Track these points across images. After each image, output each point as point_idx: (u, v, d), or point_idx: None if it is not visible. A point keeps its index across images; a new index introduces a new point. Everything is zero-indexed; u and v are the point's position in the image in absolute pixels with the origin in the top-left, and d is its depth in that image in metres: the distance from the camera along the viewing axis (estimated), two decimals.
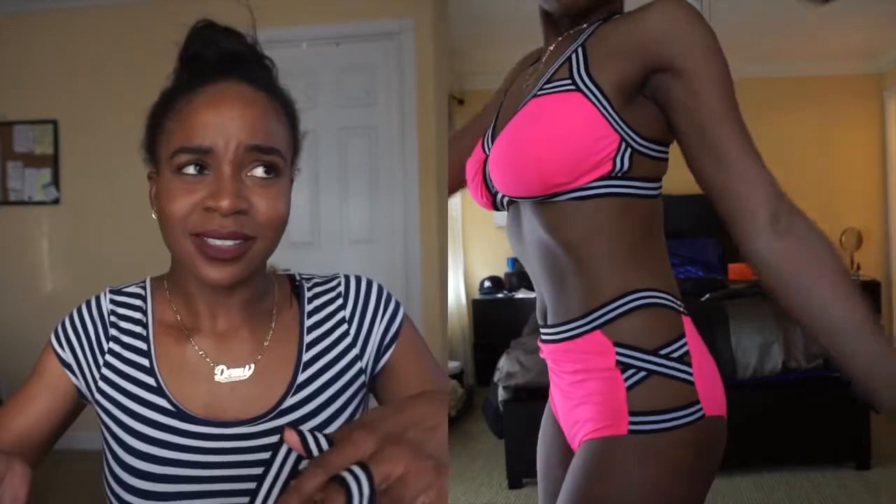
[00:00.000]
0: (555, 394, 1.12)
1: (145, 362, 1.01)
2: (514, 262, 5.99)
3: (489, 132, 1.13)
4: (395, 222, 4.01)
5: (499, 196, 1.08)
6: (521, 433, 3.38)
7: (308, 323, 1.05)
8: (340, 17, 3.95)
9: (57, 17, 4.22)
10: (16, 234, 4.40)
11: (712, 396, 0.98)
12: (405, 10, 3.89)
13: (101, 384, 1.01)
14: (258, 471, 0.96)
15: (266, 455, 0.97)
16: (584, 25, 1.06)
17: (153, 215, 0.96)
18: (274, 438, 0.98)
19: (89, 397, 1.02)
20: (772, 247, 0.97)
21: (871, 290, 5.76)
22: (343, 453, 0.62)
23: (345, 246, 4.09)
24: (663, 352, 0.97)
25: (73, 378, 1.02)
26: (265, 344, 1.03)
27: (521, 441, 3.41)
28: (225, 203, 0.89)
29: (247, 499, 0.95)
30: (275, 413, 0.99)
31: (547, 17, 1.12)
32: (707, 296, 4.00)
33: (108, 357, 1.02)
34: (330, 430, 0.99)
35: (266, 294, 1.06)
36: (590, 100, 0.96)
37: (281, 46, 4.03)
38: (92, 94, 4.22)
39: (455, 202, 5.82)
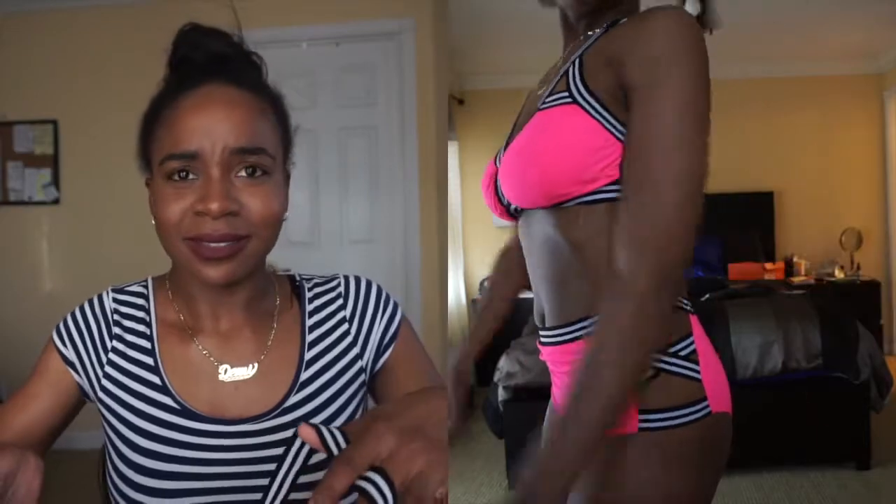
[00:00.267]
0: (556, 394, 1.12)
1: (150, 361, 1.01)
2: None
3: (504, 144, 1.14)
4: (395, 222, 4.01)
5: (511, 205, 1.09)
6: (521, 433, 3.38)
7: (309, 322, 1.07)
8: (340, 17, 3.96)
9: (57, 17, 4.23)
10: (16, 234, 4.40)
11: (719, 393, 1.00)
12: (405, 10, 3.89)
13: (105, 382, 1.01)
14: (263, 467, 0.97)
15: (270, 452, 0.98)
16: (597, 30, 1.05)
17: (153, 221, 0.96)
18: (278, 435, 0.99)
19: (92, 395, 1.03)
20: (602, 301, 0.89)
21: (871, 290, 5.76)
22: (367, 449, 0.62)
23: (345, 246, 4.09)
24: (672, 350, 0.98)
25: (75, 376, 1.02)
26: (268, 343, 1.04)
27: (521, 441, 3.41)
28: (214, 206, 0.90)
29: (251, 495, 0.96)
30: (278, 411, 1.00)
31: (564, 20, 1.12)
32: (707, 296, 3.99)
33: (112, 355, 1.02)
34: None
35: (267, 294, 1.07)
36: (586, 111, 0.96)
37: (281, 46, 4.05)
38: (92, 94, 4.22)
39: (455, 202, 5.83)
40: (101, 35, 4.18)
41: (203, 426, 0.98)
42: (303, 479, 0.95)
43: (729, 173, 6.09)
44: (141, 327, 1.04)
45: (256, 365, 1.02)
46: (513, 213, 1.11)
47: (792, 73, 6.12)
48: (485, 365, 5.42)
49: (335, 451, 0.66)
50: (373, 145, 4.04)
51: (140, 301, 1.06)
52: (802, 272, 5.85)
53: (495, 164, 1.14)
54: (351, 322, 1.08)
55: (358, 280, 1.11)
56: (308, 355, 1.04)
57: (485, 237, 6.29)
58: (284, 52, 3.92)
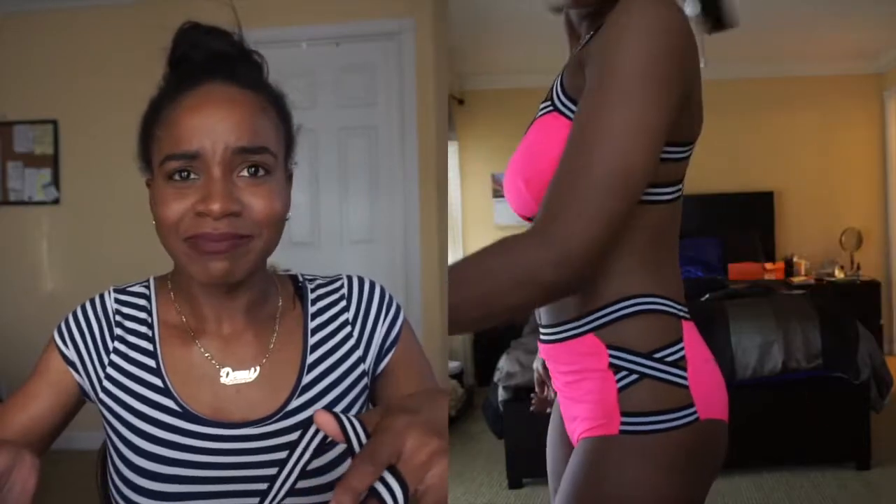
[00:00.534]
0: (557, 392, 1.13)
1: (151, 363, 1.01)
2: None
3: None
4: (395, 222, 4.01)
5: None
6: (521, 433, 3.38)
7: (312, 325, 1.06)
8: (340, 17, 3.95)
9: (57, 17, 4.22)
10: (16, 234, 4.40)
11: (710, 401, 0.99)
12: (405, 10, 3.89)
13: (106, 383, 1.01)
14: (264, 472, 0.97)
15: (272, 456, 0.97)
16: (592, 32, 1.04)
17: (153, 222, 0.96)
18: (280, 439, 0.98)
19: (93, 396, 1.02)
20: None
21: (871, 290, 5.76)
22: (389, 446, 0.62)
23: (345, 246, 4.09)
24: (657, 355, 0.97)
25: (76, 376, 1.02)
26: (270, 346, 1.03)
27: (521, 441, 3.41)
28: (216, 206, 0.89)
29: (253, 499, 0.96)
30: (281, 415, 0.99)
31: (569, 23, 1.12)
32: (707, 296, 3.99)
33: (114, 356, 1.02)
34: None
35: (269, 296, 1.06)
36: (566, 117, 0.97)
37: (281, 46, 4.05)
38: (92, 94, 4.22)
39: (455, 202, 5.83)
40: (101, 35, 4.18)
41: (205, 429, 0.98)
42: (301, 483, 0.95)
43: (729, 173, 6.09)
44: (143, 328, 1.03)
45: (258, 368, 1.01)
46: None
47: (792, 73, 6.12)
48: (485, 365, 5.43)
49: (355, 442, 0.65)
50: (373, 145, 4.04)
51: (142, 302, 1.05)
52: (802, 272, 5.85)
53: None
54: (354, 324, 1.07)
55: (361, 281, 1.10)
56: (310, 358, 1.03)
57: (485, 237, 6.28)
58: (284, 52, 3.92)
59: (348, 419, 0.65)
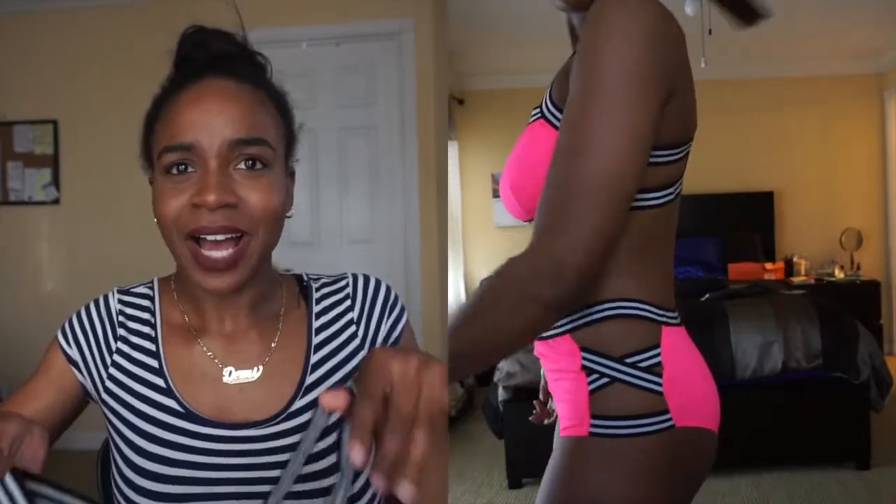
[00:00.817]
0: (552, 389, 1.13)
1: (154, 363, 1.01)
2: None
3: None
4: (395, 222, 4.01)
5: None
6: (521, 433, 3.38)
7: (316, 325, 1.05)
8: (340, 17, 3.96)
9: (57, 17, 4.22)
10: (16, 234, 4.40)
11: (690, 409, 0.97)
12: (405, 10, 3.89)
13: (109, 384, 1.01)
14: (267, 473, 0.96)
15: (275, 458, 0.97)
16: None
17: (155, 220, 0.96)
18: (282, 441, 0.98)
19: (95, 396, 1.02)
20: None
21: (871, 290, 5.76)
22: (377, 378, 0.61)
23: (345, 246, 4.09)
24: (629, 360, 0.97)
25: (79, 376, 1.02)
26: (273, 346, 1.03)
27: (521, 441, 3.41)
28: (211, 197, 0.89)
29: (254, 501, 0.96)
30: (284, 416, 0.99)
31: (571, 27, 1.12)
32: (707, 296, 3.99)
33: (117, 357, 1.02)
34: (336, 433, 0.99)
35: (273, 295, 1.05)
36: (552, 124, 0.97)
37: (281, 46, 4.04)
38: (92, 94, 4.22)
39: (455, 202, 5.83)
40: (101, 35, 4.18)
41: (207, 430, 0.97)
42: (298, 486, 0.94)
43: (729, 173, 6.09)
44: (146, 329, 1.03)
45: (261, 367, 1.01)
46: None
47: (792, 73, 6.12)
48: None
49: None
50: (373, 145, 4.04)
51: (145, 303, 1.05)
52: (802, 272, 5.85)
53: None
54: (358, 324, 1.06)
55: (367, 280, 1.10)
56: (314, 358, 1.03)
57: (485, 237, 6.29)
58: (284, 52, 3.91)
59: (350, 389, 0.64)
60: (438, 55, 3.92)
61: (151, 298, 1.05)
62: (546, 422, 1.30)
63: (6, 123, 4.33)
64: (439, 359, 0.65)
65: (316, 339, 1.04)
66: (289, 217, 1.01)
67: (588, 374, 0.98)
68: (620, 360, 0.97)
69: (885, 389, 3.39)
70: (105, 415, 1.02)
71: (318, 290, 1.08)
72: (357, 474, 0.72)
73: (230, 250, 0.91)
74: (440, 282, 3.97)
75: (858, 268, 5.92)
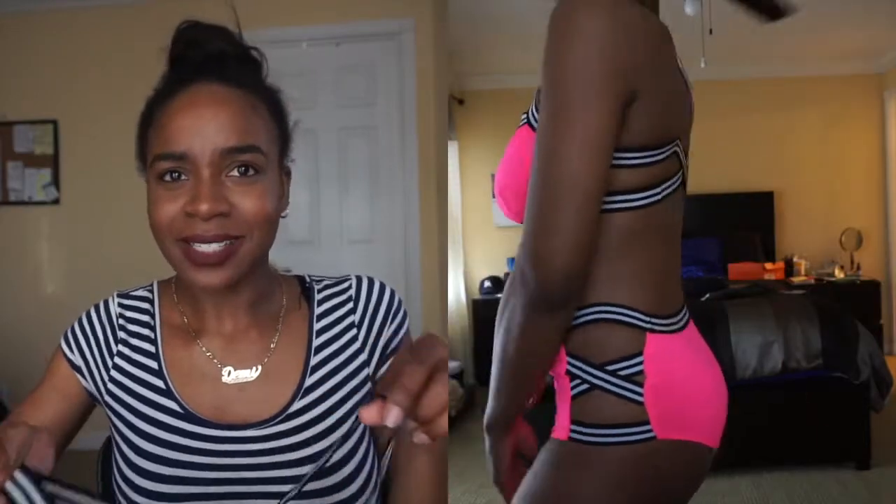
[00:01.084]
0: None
1: (154, 365, 1.01)
2: (514, 261, 6.00)
3: None
4: (395, 222, 4.01)
5: None
6: None
7: (317, 326, 1.05)
8: (340, 17, 3.96)
9: (57, 17, 4.23)
10: (16, 234, 4.40)
11: (676, 420, 0.95)
12: (405, 10, 3.89)
13: (111, 386, 1.01)
14: (266, 473, 0.96)
15: (273, 458, 0.97)
16: None
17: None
18: (281, 441, 0.98)
19: (99, 399, 1.03)
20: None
21: (871, 290, 5.76)
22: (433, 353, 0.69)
23: (345, 246, 4.09)
24: (610, 368, 0.95)
25: (83, 381, 1.02)
26: (272, 346, 1.03)
27: None
28: (204, 207, 0.89)
29: (254, 501, 0.96)
30: (282, 417, 0.99)
31: None
32: (707, 296, 3.99)
33: (117, 359, 1.02)
34: (336, 435, 1.00)
35: (272, 295, 1.05)
36: (534, 128, 0.97)
37: (281, 46, 4.04)
38: (92, 94, 4.22)
39: (455, 202, 5.83)
40: (101, 35, 4.18)
41: (206, 431, 0.97)
42: (309, 486, 0.95)
43: (729, 173, 6.09)
44: (145, 331, 1.03)
45: (260, 367, 1.01)
46: None
47: (792, 73, 6.12)
48: (485, 365, 5.43)
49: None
50: (373, 145, 4.04)
51: (145, 305, 1.06)
52: (802, 272, 5.85)
53: None
54: (360, 327, 1.06)
55: (371, 283, 1.09)
56: (314, 360, 1.03)
57: (485, 237, 6.29)
58: (284, 52, 3.92)
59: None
60: (438, 55, 3.92)
61: (151, 301, 1.06)
62: None
63: (6, 123, 4.34)
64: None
65: (317, 341, 1.04)
66: (284, 217, 1.00)
67: (571, 379, 0.97)
68: (601, 368, 0.95)
69: (885, 389, 3.39)
70: (108, 417, 1.03)
71: (320, 291, 1.08)
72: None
73: (222, 247, 0.92)
74: (440, 282, 3.97)
75: (858, 268, 5.92)
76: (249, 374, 1.01)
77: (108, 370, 1.02)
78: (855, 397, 3.36)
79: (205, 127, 0.91)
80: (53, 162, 4.34)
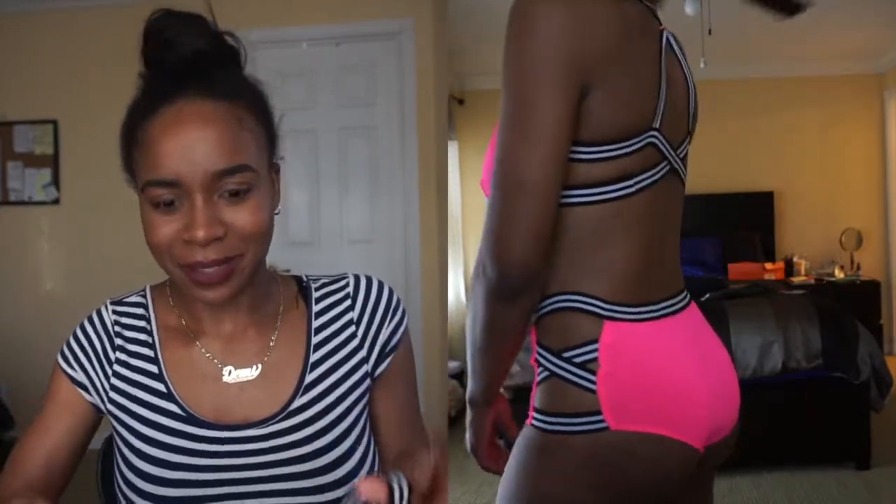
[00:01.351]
0: None
1: (153, 368, 1.01)
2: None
3: None
4: (395, 222, 4.01)
5: None
6: None
7: (316, 324, 1.05)
8: (340, 17, 3.95)
9: (57, 17, 4.22)
10: (16, 234, 4.40)
11: (632, 412, 0.93)
12: (405, 10, 3.89)
13: (112, 394, 1.01)
14: (267, 472, 0.97)
15: (275, 456, 0.97)
16: None
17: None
18: (282, 440, 0.98)
19: (103, 409, 1.03)
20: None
21: (871, 290, 5.76)
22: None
23: (345, 246, 4.09)
24: (566, 355, 0.96)
25: (86, 395, 1.02)
26: (271, 344, 1.03)
27: None
28: (200, 234, 0.89)
29: (257, 501, 0.96)
30: (283, 415, 0.99)
31: None
32: (707, 296, 3.99)
33: (116, 367, 1.02)
34: (336, 431, 1.00)
35: (270, 295, 1.06)
36: None
37: (281, 46, 4.05)
38: (92, 94, 4.22)
39: (455, 202, 5.83)
40: (101, 35, 4.18)
41: (208, 432, 0.97)
42: (302, 483, 0.95)
43: (729, 173, 6.10)
44: (142, 336, 1.03)
45: (260, 366, 1.01)
46: None
47: (792, 73, 6.12)
48: None
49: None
50: (373, 145, 4.04)
51: (140, 311, 1.05)
52: (802, 272, 5.85)
53: None
54: (358, 325, 1.06)
55: (369, 281, 1.09)
56: (313, 357, 1.03)
57: None
58: (284, 52, 3.92)
59: (398, 485, 0.68)
60: (438, 55, 3.91)
61: (145, 306, 1.06)
62: None
63: (6, 123, 4.33)
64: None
65: (315, 339, 1.04)
66: (277, 213, 1.00)
67: (538, 366, 1.00)
68: (558, 355, 0.96)
69: (885, 389, 3.40)
70: (112, 424, 1.03)
71: (317, 290, 1.08)
72: None
73: (222, 267, 0.92)
74: (440, 282, 3.97)
75: (858, 268, 5.92)
76: (250, 373, 1.01)
77: (108, 378, 1.02)
78: (855, 397, 3.36)
79: (193, 150, 0.89)
80: (53, 162, 4.33)
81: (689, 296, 1.07)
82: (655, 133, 0.96)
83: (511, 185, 0.89)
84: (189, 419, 0.98)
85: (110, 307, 1.06)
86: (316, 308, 1.06)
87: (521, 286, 0.91)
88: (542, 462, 0.96)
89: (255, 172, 0.93)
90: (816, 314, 3.43)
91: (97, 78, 4.20)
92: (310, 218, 4.06)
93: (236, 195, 0.91)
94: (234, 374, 1.01)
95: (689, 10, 3.83)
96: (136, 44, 0.96)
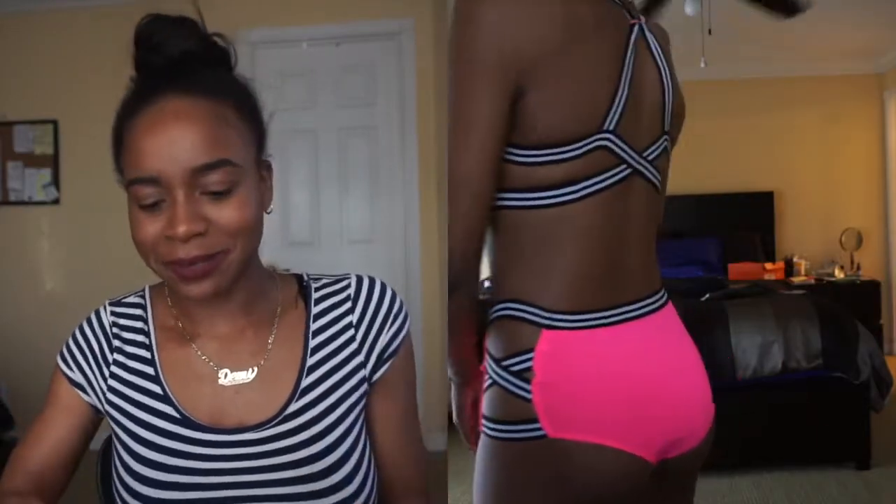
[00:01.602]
0: None
1: (150, 370, 1.01)
2: None
3: None
4: (395, 222, 4.01)
5: None
6: None
7: (314, 326, 1.04)
8: (340, 17, 3.95)
9: (57, 17, 4.22)
10: (16, 234, 4.40)
11: (573, 420, 0.92)
12: (405, 10, 3.89)
13: (109, 395, 1.01)
14: (263, 476, 0.96)
15: (271, 461, 0.97)
16: None
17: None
18: (278, 444, 0.97)
19: (102, 410, 1.03)
20: None
21: (871, 290, 5.76)
22: None
23: (345, 246, 4.09)
24: (505, 363, 0.96)
25: (84, 397, 1.02)
26: (268, 346, 1.02)
27: None
28: (181, 229, 0.88)
29: None
30: (279, 419, 0.98)
31: None
32: (707, 296, 3.99)
33: (114, 367, 1.02)
34: (332, 436, 0.99)
35: (267, 294, 1.04)
36: None
37: (281, 46, 4.04)
38: (92, 94, 4.20)
39: None
40: (101, 35, 4.17)
41: (203, 436, 0.97)
42: (298, 488, 0.95)
43: (729, 173, 6.09)
44: (140, 337, 1.03)
45: (256, 369, 1.00)
46: None
47: (792, 73, 6.12)
48: None
49: None
50: (373, 145, 4.04)
51: (137, 311, 1.05)
52: (802, 272, 5.85)
53: None
54: (358, 328, 1.04)
55: (371, 283, 1.07)
56: (311, 361, 1.02)
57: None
58: (284, 52, 3.92)
59: None
60: (438, 55, 3.91)
61: (144, 307, 1.05)
62: None
63: (6, 123, 4.33)
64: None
65: (313, 342, 1.03)
66: (269, 213, 1.00)
67: (486, 374, 1.01)
68: (499, 363, 0.97)
69: (885, 389, 3.39)
70: (110, 425, 1.03)
71: (317, 290, 1.07)
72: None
73: (205, 263, 0.91)
74: (440, 282, 3.97)
75: (858, 268, 5.92)
76: (246, 376, 1.00)
77: (105, 380, 1.02)
78: (855, 397, 3.36)
79: (173, 147, 0.89)
80: (53, 162, 4.33)
81: (662, 299, 1.03)
82: (608, 135, 0.93)
83: (450, 181, 0.93)
84: (184, 422, 0.98)
85: (108, 308, 1.06)
86: (315, 309, 1.05)
87: (459, 278, 0.95)
88: (492, 467, 0.99)
89: (238, 168, 0.92)
90: (816, 314, 3.43)
91: (97, 78, 4.18)
92: (310, 218, 4.06)
93: (219, 194, 0.91)
94: (231, 377, 1.00)
95: (689, 10, 3.83)
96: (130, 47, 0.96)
